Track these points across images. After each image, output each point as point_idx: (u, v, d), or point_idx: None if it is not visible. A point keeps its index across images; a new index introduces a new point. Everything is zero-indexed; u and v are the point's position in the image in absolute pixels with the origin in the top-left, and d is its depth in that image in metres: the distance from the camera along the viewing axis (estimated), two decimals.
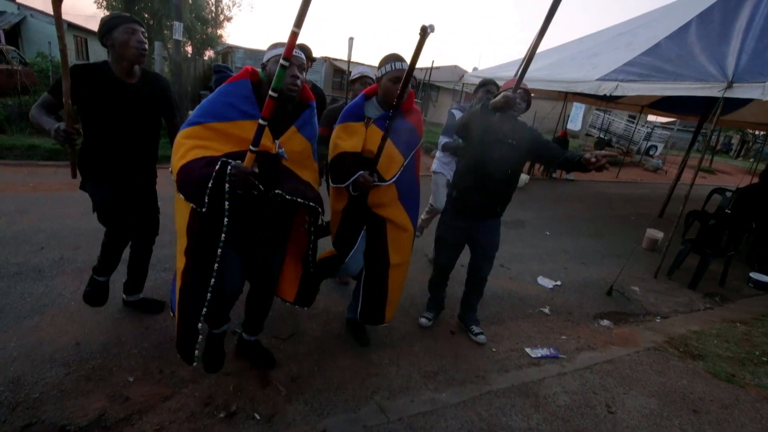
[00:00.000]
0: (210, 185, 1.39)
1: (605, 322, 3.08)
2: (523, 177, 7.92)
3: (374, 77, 2.21)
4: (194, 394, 1.86)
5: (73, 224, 3.37)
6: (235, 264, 1.70)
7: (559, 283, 3.70)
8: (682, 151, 7.62)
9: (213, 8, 12.72)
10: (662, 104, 8.51)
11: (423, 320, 2.67)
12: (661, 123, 19.48)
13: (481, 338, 2.54)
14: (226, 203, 1.44)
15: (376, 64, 2.00)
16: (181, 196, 1.47)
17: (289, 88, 1.54)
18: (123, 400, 1.79)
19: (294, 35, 1.25)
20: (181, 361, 2.05)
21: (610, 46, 5.96)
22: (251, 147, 1.41)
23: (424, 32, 1.52)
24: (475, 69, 8.52)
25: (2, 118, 6.49)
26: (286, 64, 1.31)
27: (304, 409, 1.87)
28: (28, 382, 1.81)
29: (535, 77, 5.96)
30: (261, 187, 1.50)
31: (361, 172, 1.86)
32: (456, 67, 18.20)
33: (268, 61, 1.61)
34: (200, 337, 1.66)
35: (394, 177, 1.95)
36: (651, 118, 18.62)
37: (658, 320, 3.22)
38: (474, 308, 2.65)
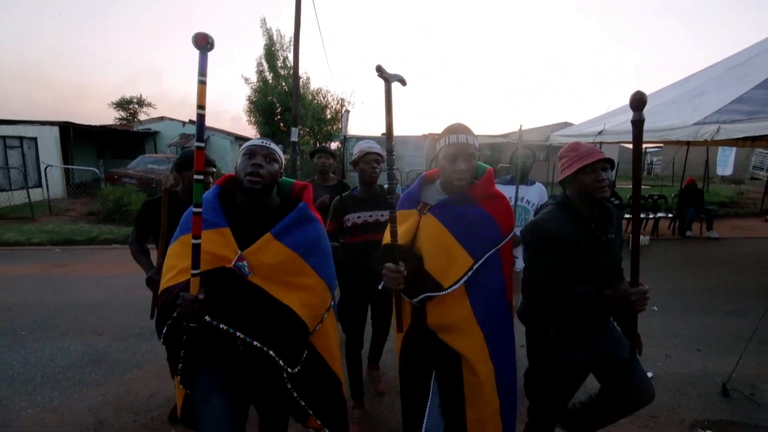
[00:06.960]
0: (165, 331, 1.31)
1: None
2: (641, 239, 6.75)
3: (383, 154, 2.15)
4: None
5: None
6: (219, 409, 1.38)
7: (650, 374, 2.98)
8: None
9: (332, 110, 15.41)
10: None
11: None
12: None
13: None
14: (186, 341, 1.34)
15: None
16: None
17: (249, 180, 1.33)
18: None
19: (199, 150, 1.17)
20: None
21: (719, 83, 5.12)
22: (192, 270, 1.21)
23: (380, 72, 1.32)
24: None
25: None
26: (200, 178, 1.18)
27: None
28: (107, 424, 2.36)
29: (622, 129, 5.41)
30: (207, 318, 1.24)
31: (387, 264, 1.39)
32: (566, 123, 17.15)
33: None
34: None
35: (455, 284, 1.42)
36: None
37: None
38: None
